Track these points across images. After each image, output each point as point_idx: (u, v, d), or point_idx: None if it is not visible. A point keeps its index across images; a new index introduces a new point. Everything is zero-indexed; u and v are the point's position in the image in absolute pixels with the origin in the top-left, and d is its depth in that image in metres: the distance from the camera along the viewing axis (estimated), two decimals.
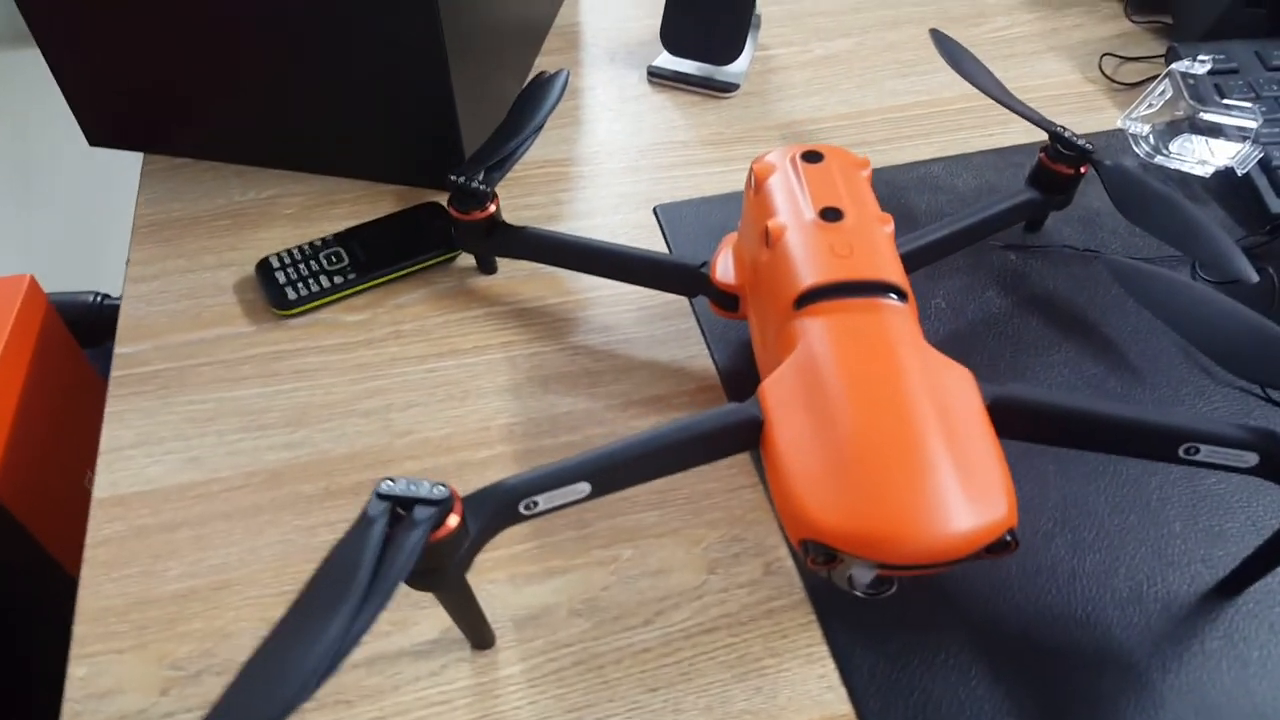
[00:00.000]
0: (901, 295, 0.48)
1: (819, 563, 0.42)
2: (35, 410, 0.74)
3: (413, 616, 0.50)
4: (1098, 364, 0.61)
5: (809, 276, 0.48)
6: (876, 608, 0.50)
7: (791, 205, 0.51)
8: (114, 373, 0.62)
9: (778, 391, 0.46)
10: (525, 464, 0.56)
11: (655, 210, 0.71)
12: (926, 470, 0.42)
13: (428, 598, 0.50)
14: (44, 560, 0.74)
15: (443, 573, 0.41)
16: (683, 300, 0.65)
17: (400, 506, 0.39)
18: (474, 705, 0.47)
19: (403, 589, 0.50)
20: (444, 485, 0.39)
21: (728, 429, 0.46)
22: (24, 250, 1.91)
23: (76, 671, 0.49)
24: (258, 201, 0.72)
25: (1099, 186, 0.70)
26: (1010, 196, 0.64)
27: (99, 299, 0.94)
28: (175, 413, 0.59)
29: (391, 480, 0.39)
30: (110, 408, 0.60)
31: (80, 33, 0.68)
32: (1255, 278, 0.56)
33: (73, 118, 0.73)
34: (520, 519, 0.44)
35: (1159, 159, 0.73)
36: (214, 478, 0.56)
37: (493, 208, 0.62)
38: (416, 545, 0.38)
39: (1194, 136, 0.73)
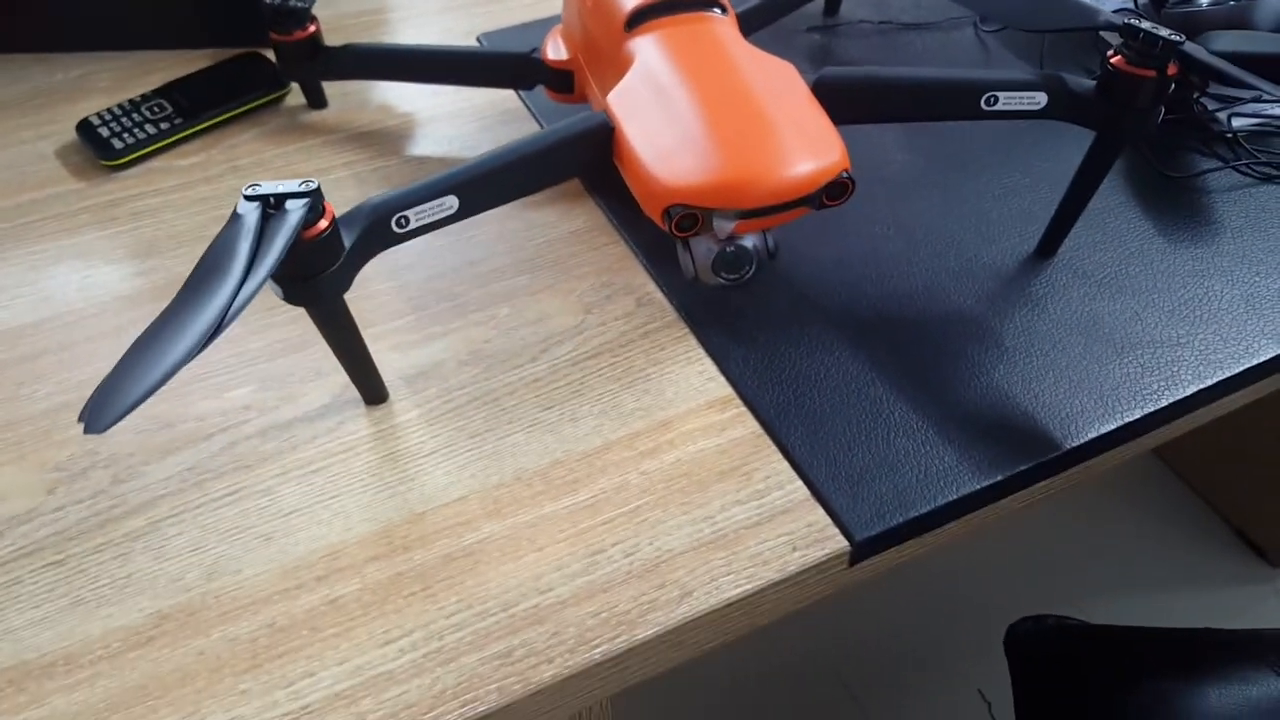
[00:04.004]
0: (723, 9, 0.52)
1: (683, 229, 0.45)
2: None
3: (301, 390, 0.50)
4: None
5: None
6: (742, 313, 0.54)
7: None
8: None
9: (621, 99, 0.49)
10: None
11: (479, 38, 0.72)
12: (766, 129, 0.45)
13: (312, 371, 0.51)
14: None
15: (319, 284, 0.42)
16: (519, 108, 0.67)
17: (269, 206, 0.39)
18: (377, 447, 0.48)
19: (288, 358, 0.51)
20: (312, 180, 0.40)
21: (580, 137, 0.48)
22: None
23: None
24: (67, 81, 0.70)
25: None
26: None
27: None
28: (16, 264, 0.57)
29: (258, 184, 0.40)
30: None
31: None
32: None
33: None
34: (395, 239, 0.45)
35: None
36: (68, 310, 0.54)
37: (313, 27, 0.62)
38: (293, 229, 0.38)
39: None
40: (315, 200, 0.40)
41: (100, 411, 0.32)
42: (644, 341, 0.53)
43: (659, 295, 0.55)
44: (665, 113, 0.47)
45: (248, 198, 0.39)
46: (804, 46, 0.72)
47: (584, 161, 0.50)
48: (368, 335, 0.49)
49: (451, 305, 0.55)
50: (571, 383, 0.51)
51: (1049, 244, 0.57)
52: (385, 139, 0.65)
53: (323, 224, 0.40)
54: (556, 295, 0.55)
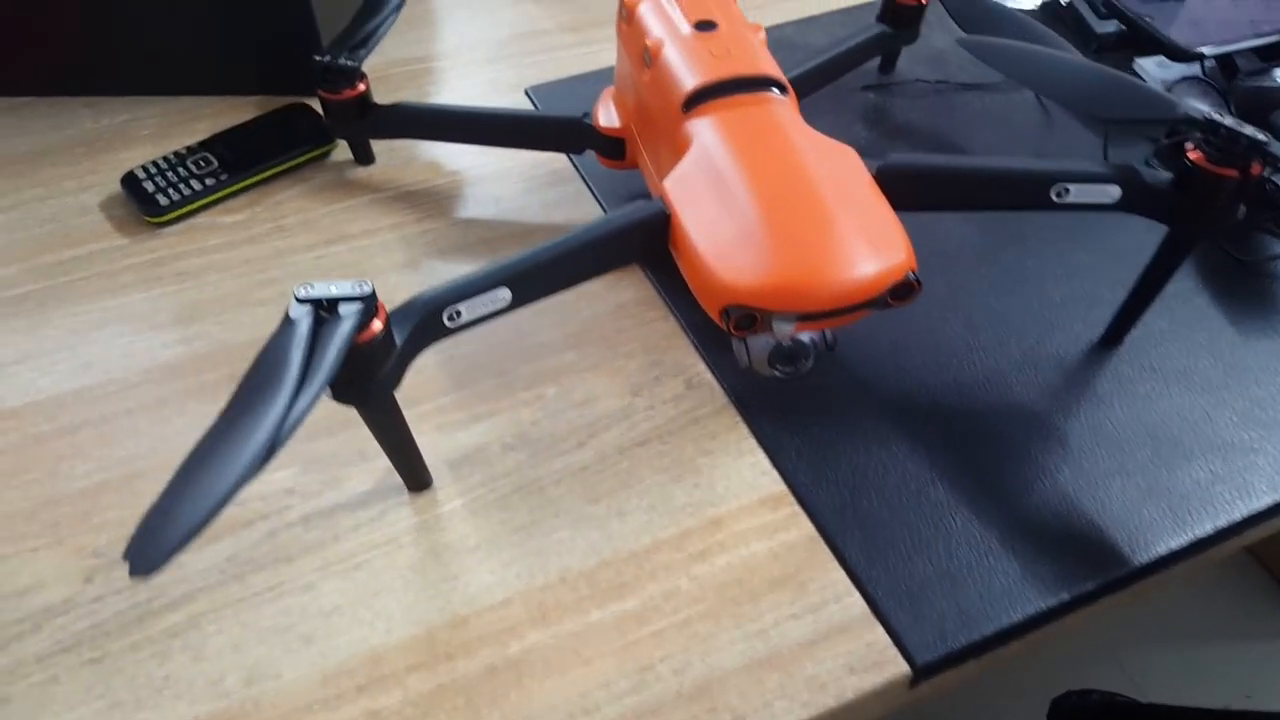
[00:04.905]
0: (782, 89, 0.50)
1: (741, 327, 0.44)
2: None
3: (344, 473, 0.49)
4: None
5: (693, 79, 0.49)
6: (796, 402, 0.52)
7: (666, 23, 0.53)
8: None
9: (679, 186, 0.47)
10: None
11: (527, 92, 0.71)
12: (829, 226, 0.44)
13: (355, 454, 0.50)
14: None
15: (369, 385, 0.41)
16: (568, 167, 0.66)
17: (323, 309, 0.38)
18: (420, 540, 0.47)
19: (332, 437, 0.50)
20: (366, 282, 0.39)
21: (636, 226, 0.47)
22: None
23: None
24: (112, 127, 0.69)
25: (942, 30, 0.74)
26: (864, 31, 0.67)
27: None
28: (57, 326, 0.56)
29: (310, 285, 0.39)
30: None
31: None
32: None
33: None
34: (446, 332, 0.44)
35: None
36: (109, 379, 0.54)
37: (362, 86, 0.61)
38: (347, 336, 0.37)
39: None
40: (369, 304, 0.39)
41: (147, 550, 0.30)
42: (694, 429, 0.51)
43: (709, 378, 0.54)
44: (724, 203, 0.45)
45: (300, 300, 0.38)
46: (859, 106, 0.70)
47: (639, 249, 0.48)
48: (412, 413, 0.48)
49: (498, 383, 0.54)
50: (619, 473, 0.50)
51: (1115, 334, 0.55)
52: (432, 198, 0.64)
53: (376, 325, 0.39)
54: (604, 375, 0.54)
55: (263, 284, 0.58)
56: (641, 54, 0.53)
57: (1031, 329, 0.56)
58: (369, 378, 0.40)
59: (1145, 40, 0.71)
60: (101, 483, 0.49)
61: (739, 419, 0.52)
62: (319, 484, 0.49)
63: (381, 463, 0.49)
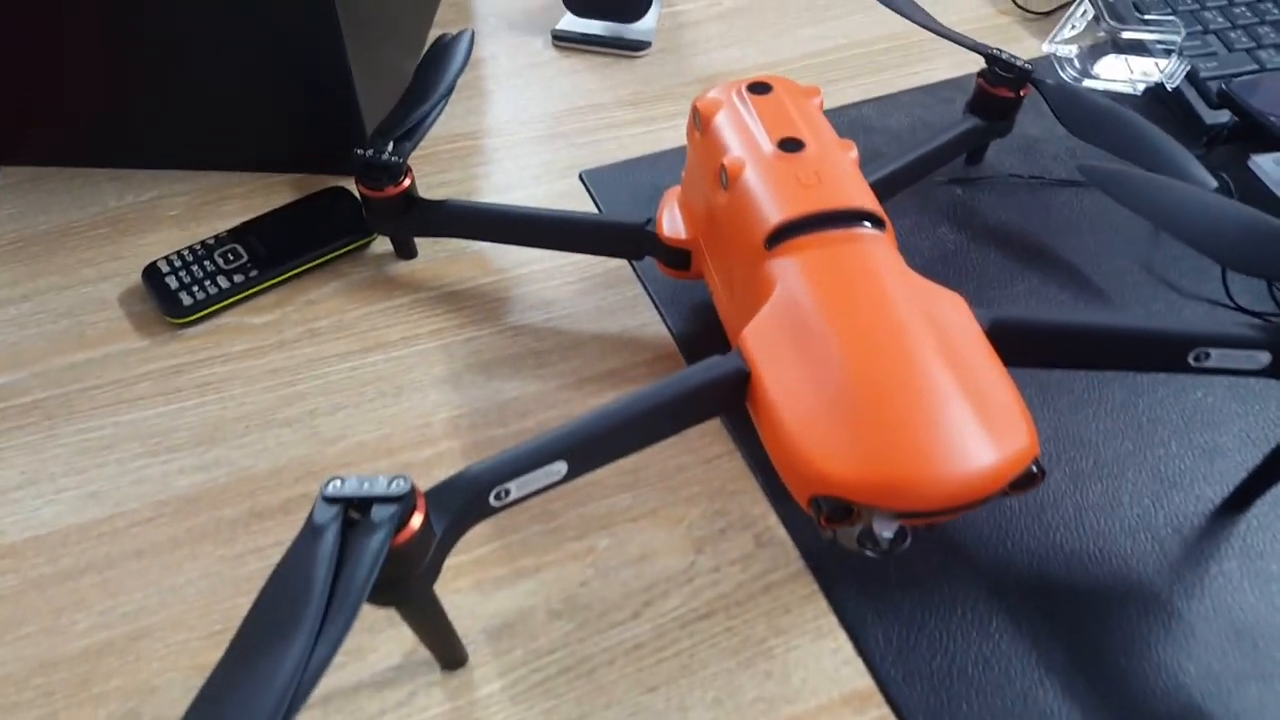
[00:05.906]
0: (878, 223, 0.44)
1: (834, 520, 0.38)
2: None
3: (369, 643, 0.44)
4: (1063, 290, 0.59)
5: (778, 212, 0.44)
6: (882, 569, 0.46)
7: (746, 139, 0.47)
8: None
9: (760, 339, 0.41)
10: (477, 458, 0.50)
11: (582, 176, 0.66)
12: (940, 405, 0.38)
13: (383, 618, 0.44)
14: None
15: (408, 583, 0.35)
16: (624, 267, 0.60)
17: (353, 509, 0.33)
18: None
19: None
20: (403, 478, 0.33)
21: (711, 386, 0.41)
22: None
23: None
24: (137, 205, 0.64)
25: (1035, 115, 0.68)
26: (954, 126, 0.61)
27: None
28: (65, 444, 0.51)
29: (339, 480, 0.33)
30: None
31: None
32: (1214, 183, 0.54)
33: None
34: (491, 512, 0.38)
35: (1087, 82, 0.71)
36: (118, 512, 0.49)
37: (407, 182, 0.56)
38: (379, 551, 0.32)
39: (1119, 56, 0.71)
40: (407, 503, 0.33)
41: None
42: (765, 598, 0.46)
43: (781, 532, 0.48)
44: (814, 366, 0.39)
45: (327, 499, 0.33)
46: (944, 202, 0.64)
47: (713, 409, 0.43)
48: (449, 565, 0.43)
49: (544, 529, 0.48)
50: (680, 654, 0.44)
51: (1242, 498, 0.48)
52: (478, 300, 0.58)
53: (415, 522, 0.34)
54: (662, 524, 0.48)
55: (290, 400, 0.53)
56: (717, 172, 0.47)
57: (1145, 485, 0.49)
58: (405, 578, 0.35)
59: (1263, 136, 0.65)
60: (104, 643, 0.44)
61: (815, 588, 0.46)
62: (342, 654, 0.44)
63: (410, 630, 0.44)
